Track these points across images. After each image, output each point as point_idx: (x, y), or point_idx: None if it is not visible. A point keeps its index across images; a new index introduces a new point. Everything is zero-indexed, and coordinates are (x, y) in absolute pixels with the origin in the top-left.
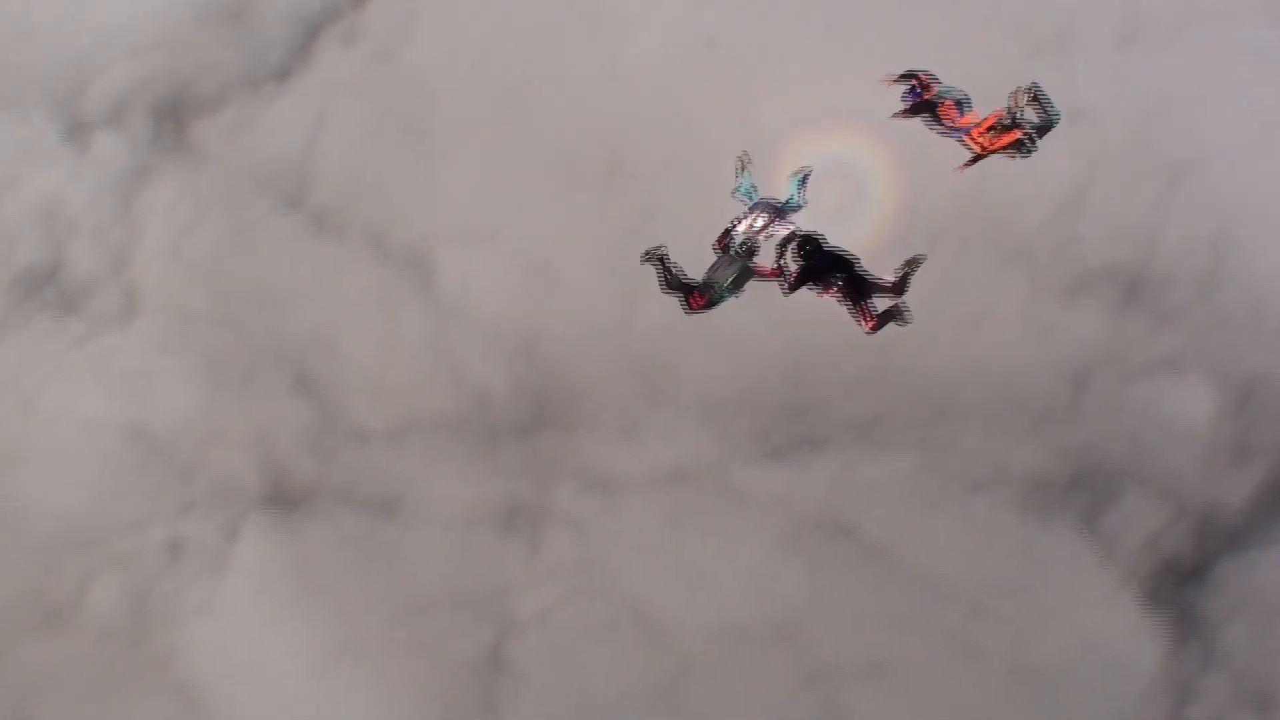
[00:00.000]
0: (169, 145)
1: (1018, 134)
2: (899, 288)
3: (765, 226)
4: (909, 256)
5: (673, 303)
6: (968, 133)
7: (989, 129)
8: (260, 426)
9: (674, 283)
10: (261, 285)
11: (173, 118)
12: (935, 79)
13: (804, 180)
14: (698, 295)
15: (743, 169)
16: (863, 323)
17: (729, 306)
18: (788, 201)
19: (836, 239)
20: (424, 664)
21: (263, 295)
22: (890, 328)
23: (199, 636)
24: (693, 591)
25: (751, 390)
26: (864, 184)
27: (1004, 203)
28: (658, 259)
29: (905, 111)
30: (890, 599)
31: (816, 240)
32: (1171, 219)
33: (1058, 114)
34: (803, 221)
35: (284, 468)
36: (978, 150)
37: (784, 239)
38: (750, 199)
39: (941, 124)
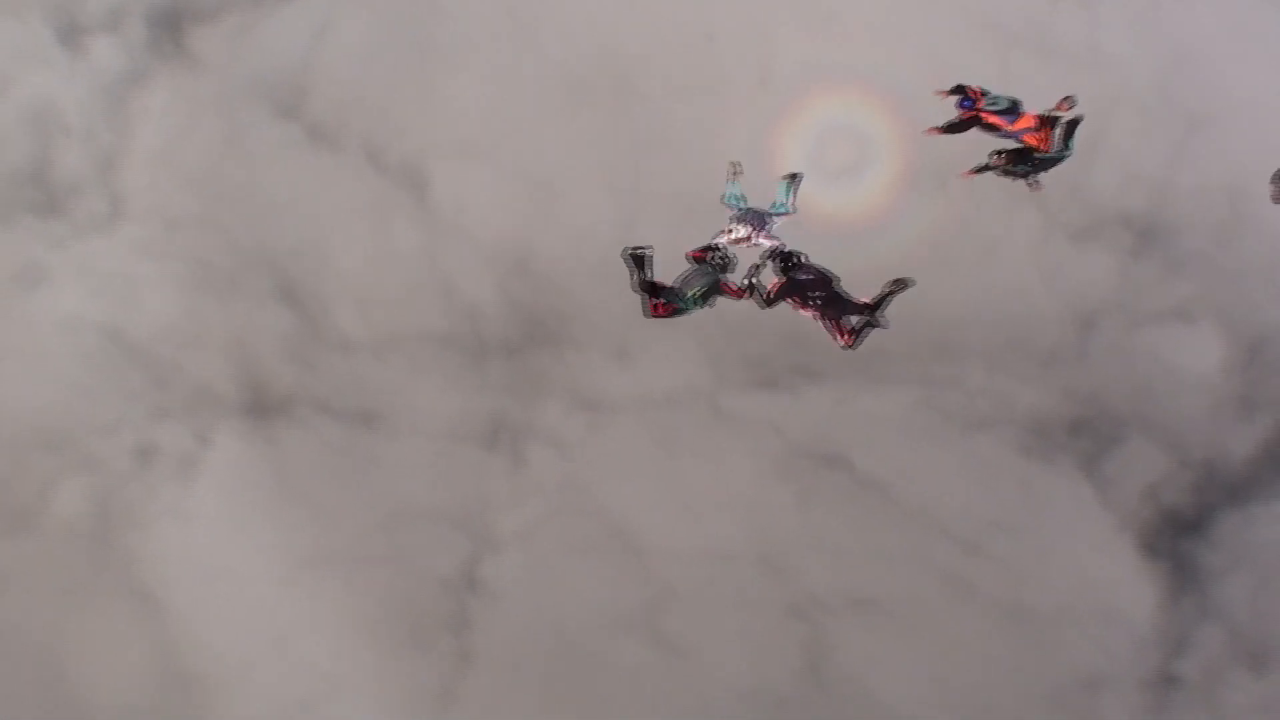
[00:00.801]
0: (166, 52)
1: (1048, 132)
2: (877, 307)
3: (747, 238)
4: (896, 278)
5: (673, 227)
6: (1022, 136)
7: (1034, 128)
8: (241, 334)
9: (645, 285)
10: (252, 194)
11: (171, 25)
12: (984, 91)
13: (793, 184)
14: (663, 303)
15: (732, 177)
16: (839, 338)
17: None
18: (775, 205)
19: (847, 188)
20: (398, 578)
21: (253, 204)
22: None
23: (164, 542)
24: (679, 516)
25: (748, 318)
26: (873, 126)
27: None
28: (635, 258)
29: (945, 126)
30: (883, 534)
31: (797, 257)
32: (1188, 168)
33: (1070, 153)
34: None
35: (263, 376)
36: (1040, 148)
37: (766, 253)
38: (737, 207)
39: (998, 132)
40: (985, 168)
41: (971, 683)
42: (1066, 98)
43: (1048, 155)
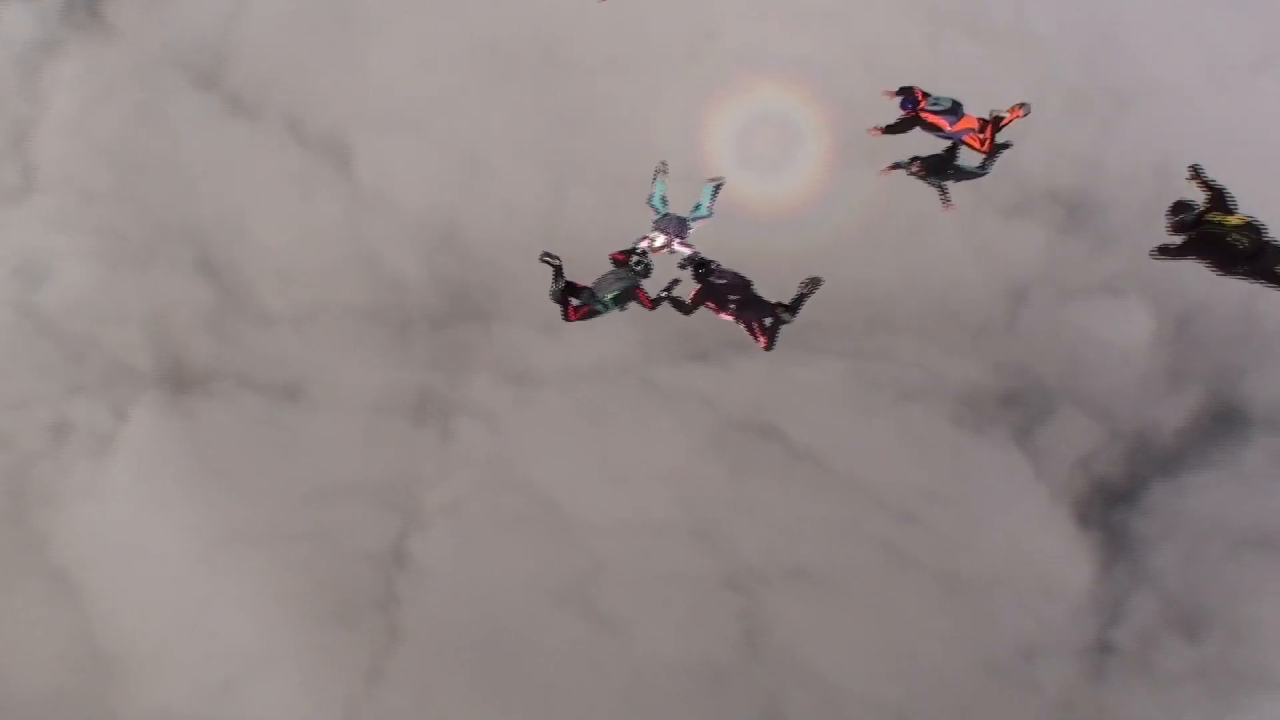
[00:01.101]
0: (80, 21)
1: (990, 133)
2: (793, 308)
3: (666, 245)
4: (809, 277)
5: (603, 195)
6: (963, 137)
7: (975, 129)
8: (158, 308)
9: (557, 296)
10: (169, 165)
11: None
12: (927, 93)
13: (716, 190)
14: (576, 308)
15: (659, 176)
16: (758, 339)
17: None
18: (696, 209)
19: (779, 167)
20: (323, 554)
21: (170, 176)
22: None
23: (80, 520)
24: (609, 490)
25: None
26: (804, 106)
27: None
28: (553, 266)
29: (887, 127)
30: (817, 504)
31: (709, 265)
32: (1116, 147)
33: (986, 173)
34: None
35: (181, 350)
36: (979, 148)
37: (683, 259)
38: (659, 210)
39: (939, 132)
40: (899, 165)
41: (909, 652)
42: (1022, 104)
43: (965, 169)
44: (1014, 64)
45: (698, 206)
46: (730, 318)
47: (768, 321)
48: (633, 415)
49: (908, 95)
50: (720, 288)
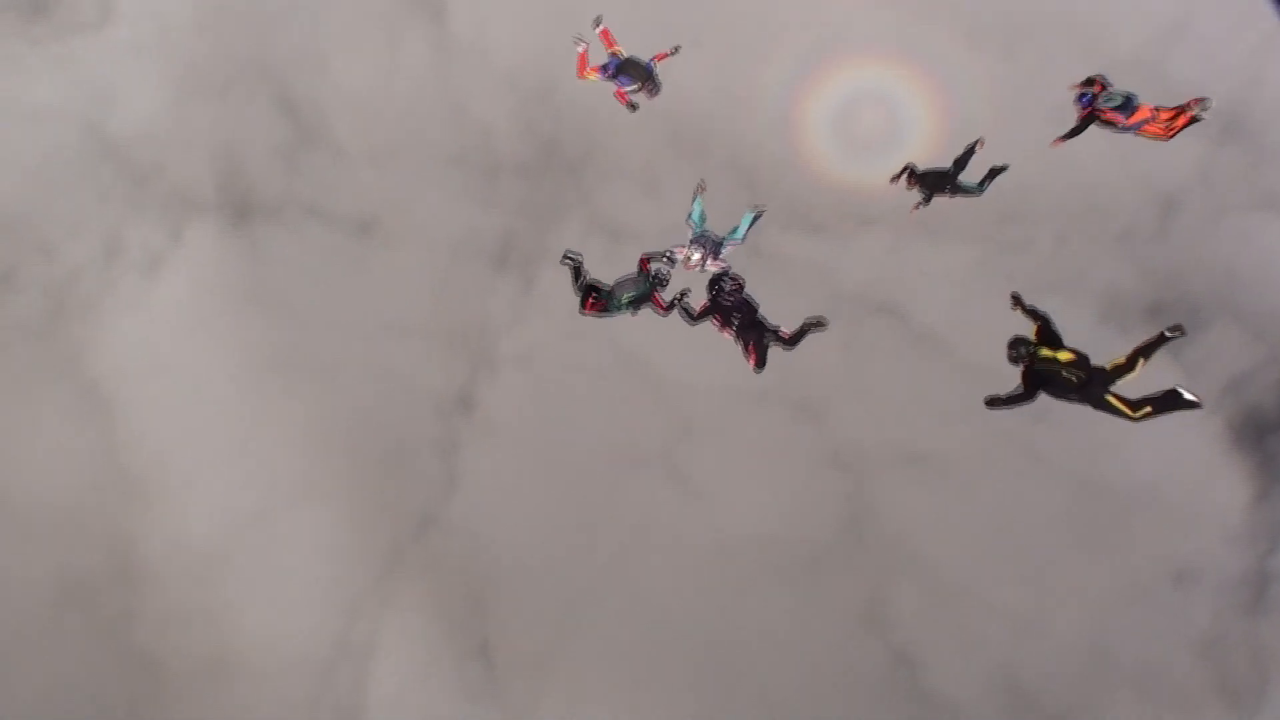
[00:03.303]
0: None
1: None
2: (792, 341)
3: (701, 260)
4: (814, 317)
5: (713, 65)
6: (1140, 129)
7: (1165, 120)
8: (228, 140)
9: (582, 289)
10: (252, 2)
11: None
12: (1106, 84)
13: (755, 219)
14: (594, 301)
15: (697, 195)
16: (749, 359)
17: None
18: (733, 232)
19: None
20: (382, 392)
21: (251, 12)
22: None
23: (119, 335)
24: (702, 352)
25: (801, 160)
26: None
27: (1099, 25)
28: (572, 266)
29: (1069, 133)
30: (939, 390)
31: (724, 284)
32: (1276, 62)
33: (980, 194)
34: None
35: (248, 180)
36: (1163, 137)
37: (714, 277)
38: (697, 227)
39: (1115, 128)
40: (904, 173)
41: (1038, 559)
42: (1202, 99)
43: (963, 185)
44: None
45: (735, 230)
46: (730, 335)
47: (764, 343)
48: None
49: (1089, 87)
50: (726, 307)
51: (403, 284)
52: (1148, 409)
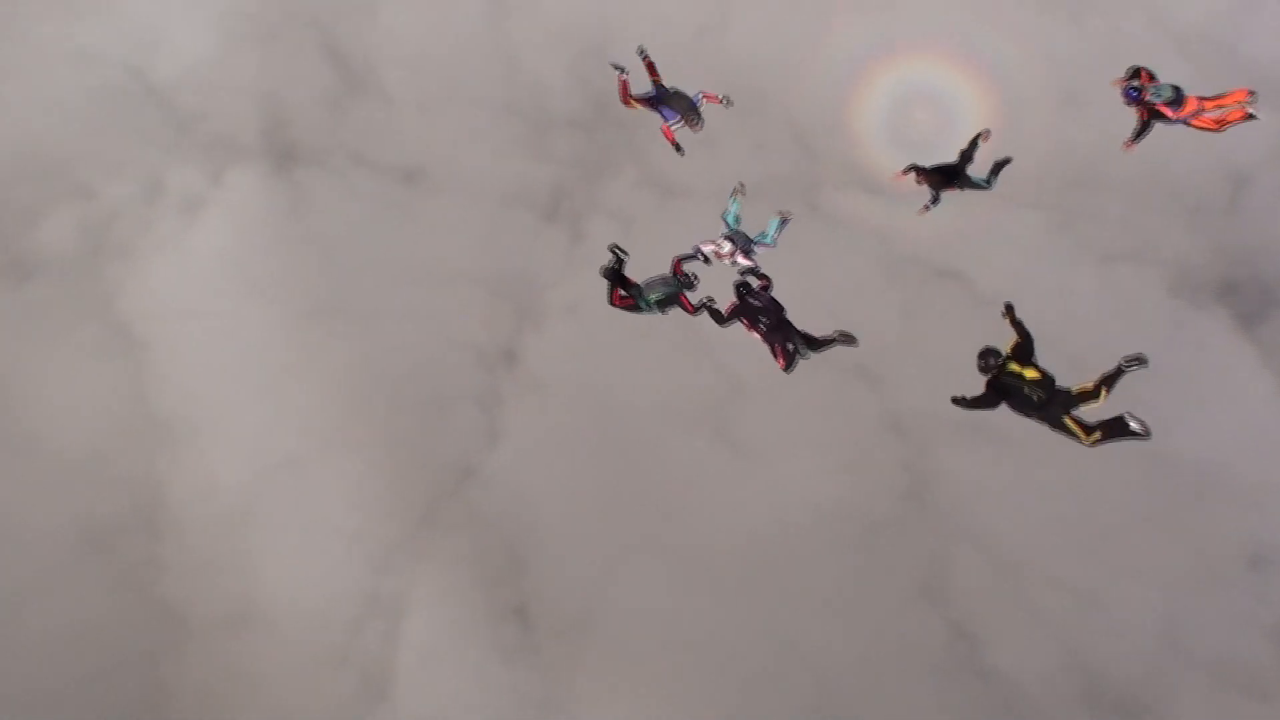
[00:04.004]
0: None
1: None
2: (817, 346)
3: (730, 254)
4: (845, 333)
5: (769, 13)
6: (1191, 120)
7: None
8: (274, 86)
9: (612, 275)
10: None
11: None
12: (1153, 75)
13: (783, 224)
14: (623, 297)
15: (734, 196)
16: (777, 359)
17: None
18: (761, 235)
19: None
20: (422, 340)
21: None
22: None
23: (153, 276)
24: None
25: (862, 118)
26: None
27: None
28: (616, 255)
29: (1135, 137)
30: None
31: (752, 286)
32: None
33: (990, 188)
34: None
35: (293, 126)
36: (1215, 130)
37: (742, 270)
38: (732, 227)
39: (1167, 121)
40: (911, 170)
41: (1103, 533)
42: (1249, 93)
43: (972, 179)
44: None
45: (764, 234)
46: (758, 336)
47: (790, 346)
48: (792, 238)
49: (1135, 78)
50: (754, 309)
51: (449, 234)
52: (1098, 434)
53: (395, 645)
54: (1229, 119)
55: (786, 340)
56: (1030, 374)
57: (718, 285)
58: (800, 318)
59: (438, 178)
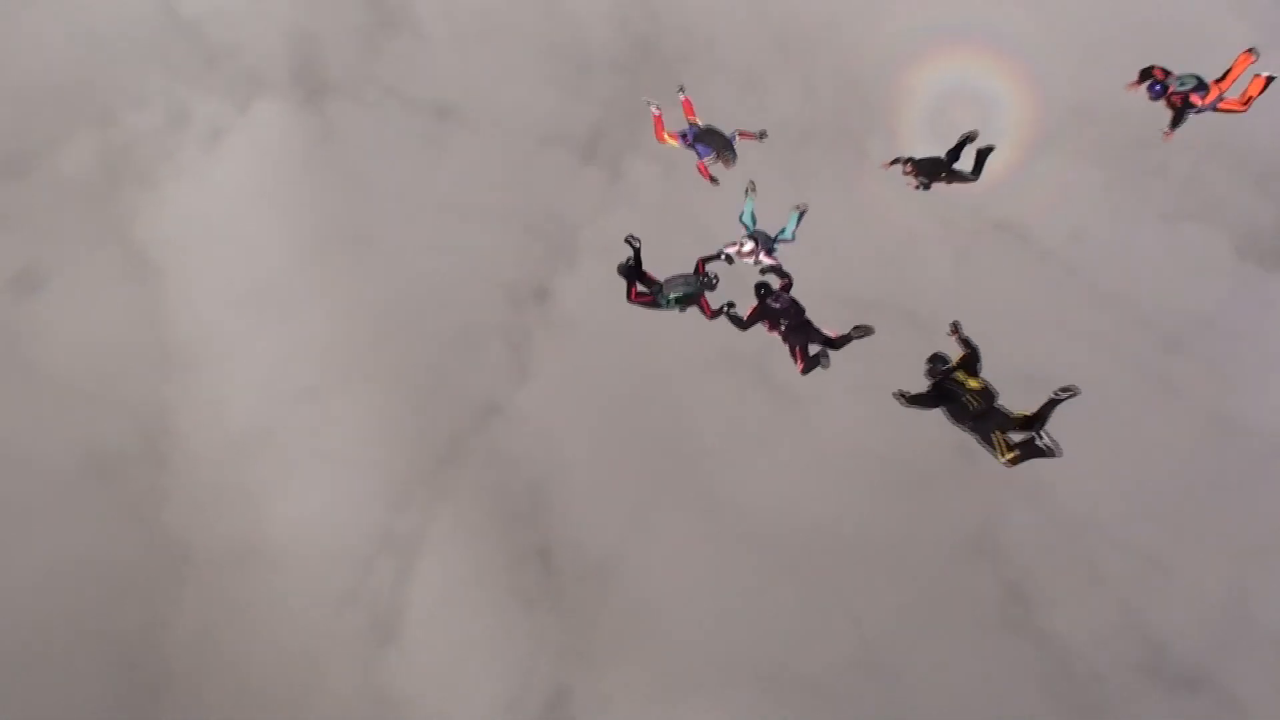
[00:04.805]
0: None
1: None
2: (837, 343)
3: (753, 252)
4: (863, 326)
5: None
6: (1218, 105)
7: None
8: (308, 19)
9: (628, 272)
10: None
11: None
12: (1168, 71)
13: (800, 216)
14: (640, 293)
15: (747, 195)
16: (796, 362)
17: None
18: (781, 232)
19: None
20: (449, 274)
21: None
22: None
23: (173, 201)
24: (803, 256)
25: (913, 70)
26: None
27: None
28: (632, 246)
29: (1171, 126)
30: (1061, 310)
31: (772, 288)
32: None
33: (977, 179)
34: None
35: (322, 59)
36: (1241, 110)
37: (764, 268)
38: (750, 226)
39: (1196, 110)
40: (897, 162)
41: (1168, 495)
42: (1250, 50)
43: (959, 172)
44: None
45: (783, 230)
46: (779, 336)
47: (811, 349)
48: (843, 180)
49: (1149, 78)
50: (775, 311)
51: (483, 170)
52: (1017, 453)
53: (408, 585)
54: (1250, 93)
55: (808, 340)
56: (973, 384)
57: (738, 288)
58: (852, 268)
59: (472, 114)
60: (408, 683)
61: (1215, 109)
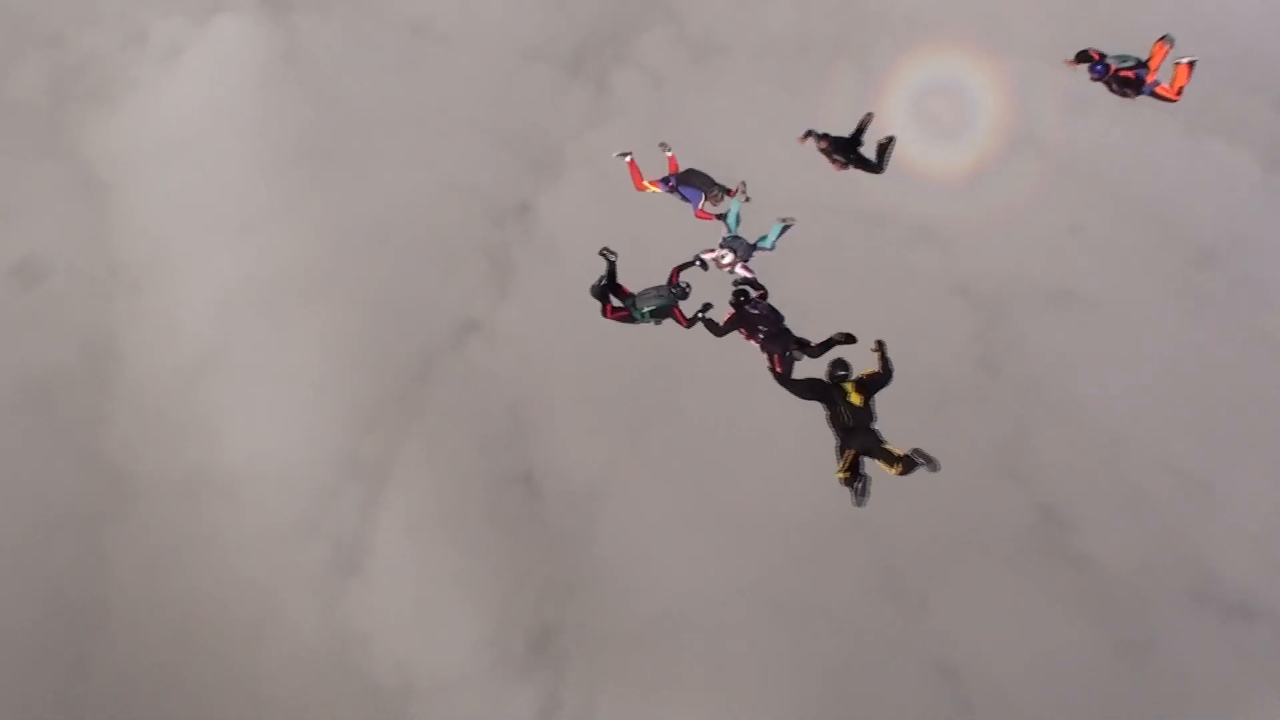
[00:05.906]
0: None
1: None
2: (814, 351)
3: (730, 264)
4: (843, 333)
5: None
6: (1155, 89)
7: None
8: None
9: (598, 292)
10: None
11: None
12: (1104, 54)
13: (784, 229)
14: (615, 309)
15: (736, 196)
16: (775, 368)
17: None
18: (762, 239)
19: None
20: (424, 190)
21: None
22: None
23: (123, 117)
24: (800, 170)
25: None
26: None
27: None
28: (608, 260)
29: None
30: (1086, 220)
31: (748, 295)
32: None
33: (882, 170)
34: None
35: None
36: (1173, 99)
37: (739, 281)
38: (732, 229)
39: (1142, 88)
40: (811, 134)
41: (1212, 414)
42: (1163, 38)
43: (864, 159)
44: None
45: (764, 238)
46: (756, 344)
47: (789, 355)
48: (846, 98)
49: (1087, 60)
50: (753, 317)
51: (459, 85)
52: (900, 466)
53: (373, 515)
54: (1180, 82)
55: (785, 349)
56: (855, 399)
57: (713, 292)
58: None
59: (448, 31)
60: (374, 619)
61: (1153, 93)
